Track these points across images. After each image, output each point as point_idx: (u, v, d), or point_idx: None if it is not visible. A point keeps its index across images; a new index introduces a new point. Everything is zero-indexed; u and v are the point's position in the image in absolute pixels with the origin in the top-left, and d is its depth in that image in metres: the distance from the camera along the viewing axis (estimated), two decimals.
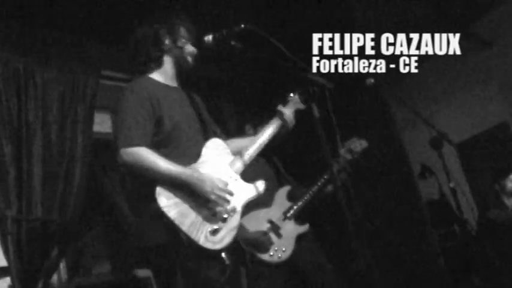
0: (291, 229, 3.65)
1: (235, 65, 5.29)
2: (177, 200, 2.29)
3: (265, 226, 3.59)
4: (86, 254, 5.57)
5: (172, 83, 2.72)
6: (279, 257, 3.52)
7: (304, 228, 3.69)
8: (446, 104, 7.14)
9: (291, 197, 3.79)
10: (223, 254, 2.28)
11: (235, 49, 2.55)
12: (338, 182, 2.48)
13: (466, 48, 6.76)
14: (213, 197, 2.31)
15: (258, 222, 3.58)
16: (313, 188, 3.73)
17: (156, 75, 2.67)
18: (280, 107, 2.86)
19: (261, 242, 3.50)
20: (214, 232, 2.29)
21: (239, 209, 2.44)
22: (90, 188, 4.67)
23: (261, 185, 2.62)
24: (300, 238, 3.65)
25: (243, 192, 2.53)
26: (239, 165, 2.61)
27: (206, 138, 2.64)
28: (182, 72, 2.75)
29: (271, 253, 3.51)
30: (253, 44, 2.47)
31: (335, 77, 3.76)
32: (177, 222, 2.23)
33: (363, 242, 2.23)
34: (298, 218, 3.72)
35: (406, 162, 4.87)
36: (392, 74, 4.01)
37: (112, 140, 2.48)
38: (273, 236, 3.57)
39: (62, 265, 4.47)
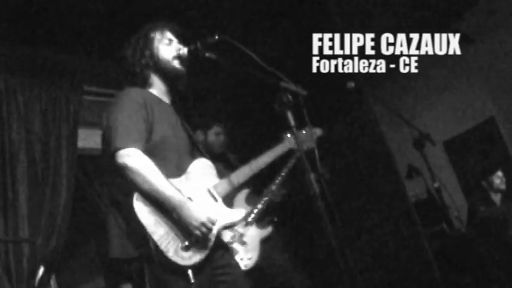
0: (254, 234, 3.59)
1: (212, 77, 5.28)
2: (153, 209, 2.26)
3: (228, 236, 3.48)
4: (79, 270, 5.56)
5: (166, 99, 2.68)
6: (246, 266, 3.46)
7: (267, 231, 3.64)
8: (433, 102, 7.17)
9: (250, 201, 3.72)
10: (189, 272, 2.23)
11: (210, 60, 2.55)
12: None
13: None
14: (196, 232, 2.26)
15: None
16: (271, 187, 3.67)
17: (152, 90, 2.64)
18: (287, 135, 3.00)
19: None
20: (186, 248, 2.25)
21: (215, 231, 2.40)
22: (78, 204, 4.65)
23: (240, 212, 2.61)
24: (264, 241, 3.60)
25: (222, 216, 2.50)
26: (224, 187, 2.62)
27: (193, 156, 2.62)
28: (175, 81, 2.69)
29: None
30: (228, 54, 2.48)
31: (316, 81, 3.77)
32: (149, 229, 2.20)
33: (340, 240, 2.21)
34: (260, 221, 3.66)
35: (392, 164, 4.87)
36: (375, 75, 4.02)
37: (105, 139, 2.42)
38: (236, 245, 3.49)
39: (53, 282, 4.44)
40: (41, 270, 3.91)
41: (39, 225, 3.97)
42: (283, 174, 3.69)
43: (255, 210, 3.64)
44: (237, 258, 3.43)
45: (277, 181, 3.68)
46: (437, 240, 5.54)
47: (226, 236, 3.45)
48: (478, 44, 6.64)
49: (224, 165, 3.71)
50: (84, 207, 5.34)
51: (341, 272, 2.18)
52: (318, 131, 3.60)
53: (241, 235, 3.52)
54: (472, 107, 6.77)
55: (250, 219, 3.60)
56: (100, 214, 5.44)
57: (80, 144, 4.57)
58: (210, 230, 2.29)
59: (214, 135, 3.93)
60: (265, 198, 3.67)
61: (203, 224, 2.26)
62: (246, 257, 3.47)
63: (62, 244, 4.07)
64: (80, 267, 5.63)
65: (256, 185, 3.77)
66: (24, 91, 4.27)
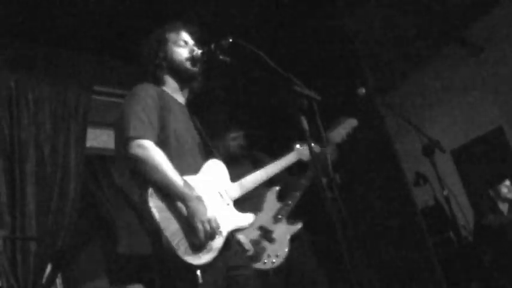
0: (283, 231, 3.54)
1: (227, 79, 5.30)
2: (166, 205, 2.25)
3: (255, 234, 3.48)
4: (84, 269, 5.57)
5: (180, 98, 2.70)
6: (273, 263, 3.41)
7: (297, 227, 3.59)
8: (441, 110, 7.17)
9: (281, 197, 3.71)
10: (198, 272, 2.22)
11: (224, 63, 2.55)
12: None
13: (460, 54, 6.85)
14: (199, 226, 2.23)
15: (247, 231, 3.37)
16: (301, 187, 3.63)
17: (165, 88, 2.66)
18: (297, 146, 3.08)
19: (251, 251, 3.39)
20: (195, 247, 2.24)
21: (224, 233, 2.40)
22: (86, 204, 4.66)
23: (249, 217, 2.61)
24: (294, 238, 3.55)
25: (232, 218, 2.51)
26: (235, 191, 2.63)
27: (207, 156, 2.62)
28: (189, 81, 2.72)
29: (265, 260, 3.40)
30: (242, 58, 2.48)
31: (326, 88, 3.77)
32: (162, 225, 2.19)
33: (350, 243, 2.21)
34: (290, 217, 3.62)
35: (399, 171, 4.86)
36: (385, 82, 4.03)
37: (118, 131, 2.42)
38: (264, 242, 3.47)
39: (59, 281, 4.45)
40: (48, 268, 3.92)
41: (46, 224, 3.97)
42: (307, 182, 3.65)
43: (286, 207, 3.61)
44: (265, 255, 3.42)
45: (300, 190, 3.64)
46: (443, 248, 5.53)
47: (253, 234, 3.46)
48: (486, 53, 6.64)
49: (251, 163, 3.76)
50: (91, 207, 5.36)
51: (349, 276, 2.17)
52: (333, 153, 3.59)
53: (270, 232, 3.49)
54: (480, 116, 6.77)
55: (279, 216, 3.56)
56: (106, 214, 5.45)
57: (89, 144, 4.59)
58: (213, 228, 2.27)
59: (232, 140, 3.92)
60: (295, 196, 3.64)
61: (208, 221, 2.25)
62: (273, 254, 3.43)
63: (68, 243, 4.08)
64: (86, 266, 5.63)
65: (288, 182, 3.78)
66: (35, 90, 4.27)
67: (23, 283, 3.71)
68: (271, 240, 3.49)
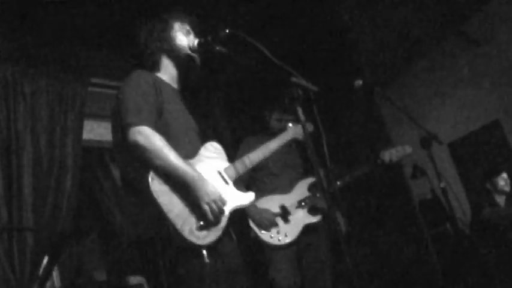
0: (301, 217, 3.72)
1: (223, 70, 5.29)
2: (168, 188, 2.26)
3: (275, 209, 3.70)
4: (82, 262, 5.57)
5: (175, 84, 2.71)
6: (279, 240, 3.60)
7: (315, 218, 3.72)
8: (439, 103, 7.17)
9: (312, 189, 3.84)
10: (204, 251, 2.24)
11: (220, 54, 2.55)
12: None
13: (457, 47, 6.85)
14: (205, 207, 2.27)
15: (269, 204, 3.71)
16: (334, 186, 3.71)
17: (160, 74, 2.67)
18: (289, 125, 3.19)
19: (263, 218, 3.62)
20: (200, 228, 2.26)
21: (227, 213, 2.42)
22: (83, 196, 4.66)
23: (250, 196, 2.62)
24: (309, 229, 3.69)
25: (233, 197, 2.52)
26: (235, 170, 2.63)
27: (203, 141, 2.64)
28: (188, 69, 2.72)
29: (272, 235, 3.61)
30: (239, 49, 2.48)
31: (324, 79, 3.76)
32: (165, 208, 2.19)
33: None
34: (313, 210, 3.76)
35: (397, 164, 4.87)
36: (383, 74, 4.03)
37: (116, 118, 2.43)
38: (279, 219, 3.67)
39: (55, 274, 4.46)
40: (45, 259, 3.91)
41: (43, 215, 3.98)
42: (342, 182, 3.74)
43: (312, 198, 3.78)
44: (274, 230, 3.64)
45: (332, 190, 3.70)
46: (440, 241, 5.54)
47: (274, 208, 3.72)
48: (484, 47, 6.63)
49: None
50: (88, 198, 5.36)
51: (346, 270, 2.17)
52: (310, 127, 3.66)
53: (288, 213, 3.71)
54: (477, 110, 6.76)
55: (303, 203, 3.75)
56: (103, 205, 5.45)
57: (85, 136, 4.58)
58: (220, 208, 2.30)
59: (276, 121, 4.02)
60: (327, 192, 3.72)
61: (214, 201, 2.28)
62: (283, 232, 3.64)
63: (65, 234, 4.08)
64: (82, 257, 5.63)
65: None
66: (31, 82, 4.28)
67: (19, 275, 3.72)
68: (286, 220, 3.68)
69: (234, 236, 2.57)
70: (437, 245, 5.34)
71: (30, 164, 4.03)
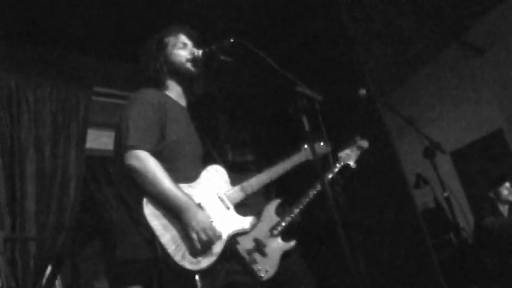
0: (277, 247, 3.54)
1: (227, 80, 5.29)
2: (163, 213, 2.27)
3: (249, 244, 3.47)
4: (84, 271, 5.55)
5: (182, 102, 2.70)
6: (261, 277, 3.41)
7: (290, 245, 3.57)
8: (441, 112, 7.17)
9: (280, 212, 3.69)
10: (196, 277, 2.23)
11: (225, 64, 2.55)
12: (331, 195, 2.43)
13: (460, 56, 6.86)
14: (194, 235, 2.25)
15: (243, 240, 3.38)
16: (302, 203, 3.60)
17: (168, 92, 2.67)
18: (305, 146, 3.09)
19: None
20: (193, 253, 2.25)
21: (224, 237, 2.40)
22: (85, 205, 4.65)
23: (251, 221, 2.59)
24: (285, 255, 3.55)
25: (232, 222, 2.51)
26: (236, 195, 2.62)
27: (206, 162, 2.62)
28: (190, 83, 2.71)
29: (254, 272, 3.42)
30: (243, 58, 2.48)
31: (328, 87, 3.77)
32: (157, 233, 2.20)
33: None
34: (286, 234, 3.60)
35: (400, 172, 4.86)
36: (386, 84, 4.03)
37: (117, 137, 2.45)
38: (256, 255, 3.46)
39: (58, 283, 4.44)
40: (49, 269, 3.91)
41: (46, 224, 3.97)
42: (308, 198, 3.62)
43: (283, 223, 3.58)
44: (255, 268, 3.41)
45: (301, 206, 3.60)
46: (443, 250, 5.53)
47: (248, 244, 3.45)
48: (487, 56, 6.64)
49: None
50: (91, 208, 5.34)
51: (350, 279, 2.16)
52: (328, 147, 3.54)
53: (263, 245, 3.49)
54: (480, 119, 6.77)
55: (275, 231, 3.56)
56: (106, 215, 5.43)
57: (89, 145, 4.58)
58: (209, 237, 2.28)
59: (239, 155, 3.95)
60: (294, 213, 3.60)
61: (203, 230, 2.26)
62: (263, 268, 3.43)
63: (69, 243, 4.07)
64: (85, 267, 5.62)
65: (288, 197, 3.75)
66: (35, 91, 4.28)
67: (22, 284, 3.70)
68: (263, 254, 3.48)
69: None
70: (440, 254, 5.33)
71: (34, 173, 4.02)
